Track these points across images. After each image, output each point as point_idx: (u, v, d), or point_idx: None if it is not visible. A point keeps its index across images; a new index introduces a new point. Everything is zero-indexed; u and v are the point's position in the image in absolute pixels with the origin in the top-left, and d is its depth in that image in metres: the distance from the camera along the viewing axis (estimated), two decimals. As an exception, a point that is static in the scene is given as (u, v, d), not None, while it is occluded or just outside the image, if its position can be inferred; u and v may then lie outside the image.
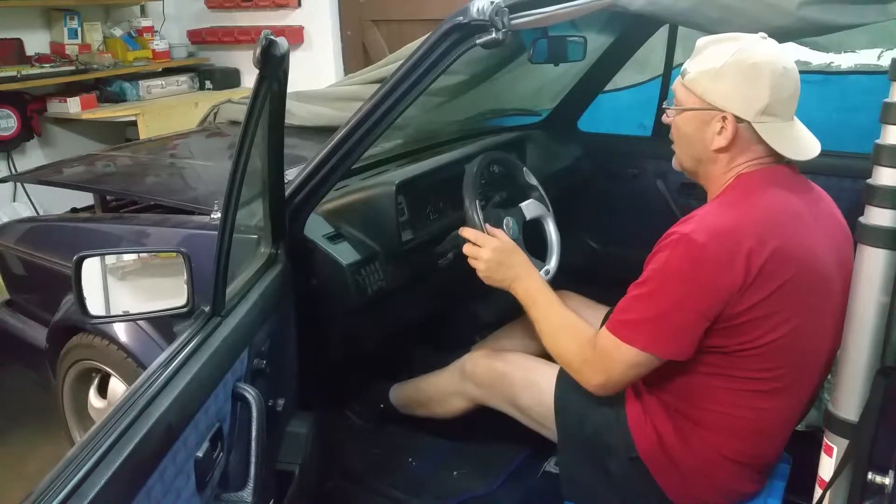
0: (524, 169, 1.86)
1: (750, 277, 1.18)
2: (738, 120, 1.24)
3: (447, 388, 1.77)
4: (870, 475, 0.99)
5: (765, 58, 1.22)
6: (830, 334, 1.29)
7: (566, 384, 1.46)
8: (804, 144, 1.28)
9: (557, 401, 1.48)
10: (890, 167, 0.94)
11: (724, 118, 1.25)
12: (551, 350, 1.41)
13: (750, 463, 1.36)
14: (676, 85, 1.33)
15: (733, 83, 1.23)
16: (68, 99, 3.64)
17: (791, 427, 1.38)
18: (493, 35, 1.33)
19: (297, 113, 2.39)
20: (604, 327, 1.29)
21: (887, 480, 0.98)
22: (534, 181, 1.84)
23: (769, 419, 1.31)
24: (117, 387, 1.96)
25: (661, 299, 1.22)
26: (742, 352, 1.24)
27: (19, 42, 3.64)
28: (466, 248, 1.53)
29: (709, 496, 1.38)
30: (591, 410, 1.43)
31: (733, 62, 1.22)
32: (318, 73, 3.69)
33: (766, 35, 1.25)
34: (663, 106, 1.36)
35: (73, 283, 1.21)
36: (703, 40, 1.29)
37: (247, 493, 1.18)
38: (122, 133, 4.03)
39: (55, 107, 3.71)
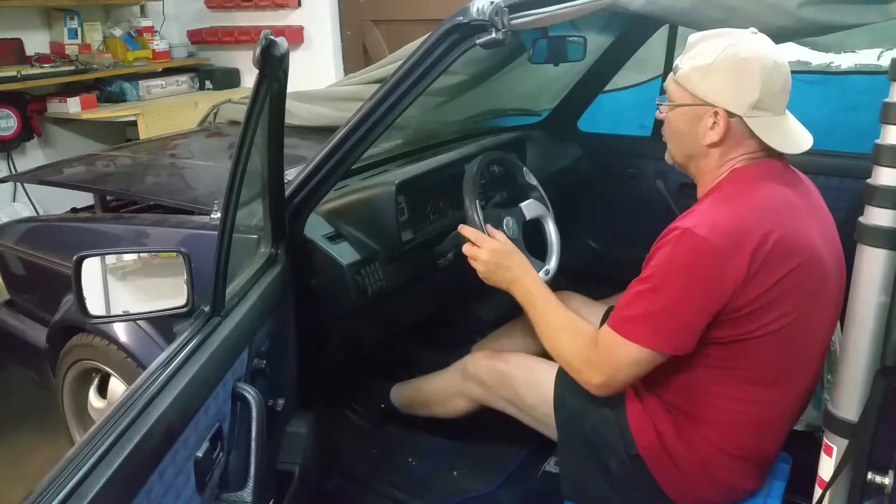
0: (524, 169, 1.86)
1: (754, 269, 1.18)
2: (730, 115, 1.25)
3: (449, 389, 1.77)
4: (869, 475, 0.99)
5: (755, 53, 1.22)
6: (825, 327, 1.31)
7: (565, 381, 1.45)
8: (796, 138, 1.29)
9: (556, 398, 1.48)
10: (890, 167, 0.94)
11: (715, 113, 1.25)
12: (551, 351, 1.41)
13: (749, 458, 1.35)
14: (669, 81, 1.34)
15: (724, 78, 1.23)
16: (68, 99, 3.64)
17: (789, 422, 1.38)
18: (493, 35, 1.33)
19: (297, 113, 2.39)
20: (605, 325, 1.29)
21: (887, 480, 0.98)
22: (534, 181, 1.84)
23: (768, 413, 1.32)
24: (117, 387, 1.96)
25: (666, 294, 1.22)
26: (742, 342, 1.24)
27: (19, 42, 3.64)
28: (466, 248, 1.53)
29: (709, 494, 1.38)
30: (591, 408, 1.42)
31: (724, 57, 1.23)
32: (318, 73, 3.69)
33: (756, 30, 1.26)
34: (656, 102, 1.36)
35: (73, 283, 1.21)
36: (694, 36, 1.30)
37: (247, 493, 1.18)
38: (122, 133, 4.03)
39: (55, 107, 3.70)
